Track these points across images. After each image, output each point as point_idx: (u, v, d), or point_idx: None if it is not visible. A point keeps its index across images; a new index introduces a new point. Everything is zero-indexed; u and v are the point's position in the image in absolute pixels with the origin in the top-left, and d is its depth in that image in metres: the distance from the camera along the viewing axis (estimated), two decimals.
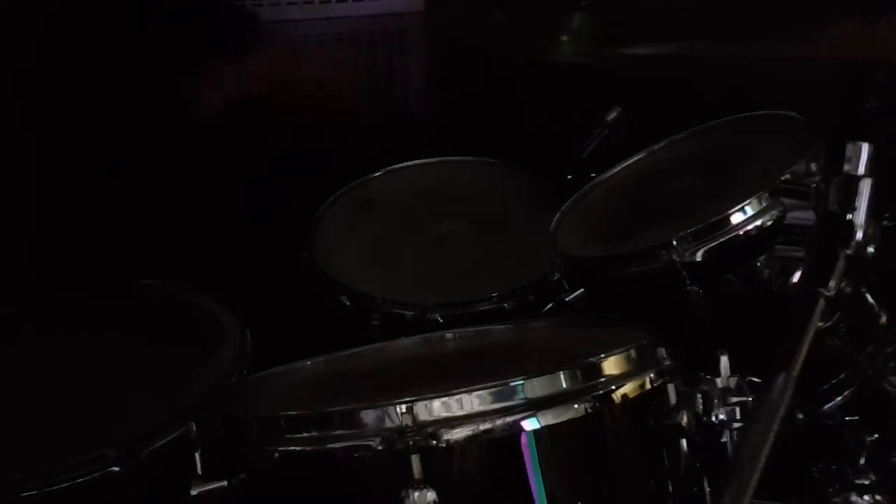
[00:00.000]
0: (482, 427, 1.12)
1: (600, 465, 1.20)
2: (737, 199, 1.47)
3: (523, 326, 1.61)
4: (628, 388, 1.20)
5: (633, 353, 1.22)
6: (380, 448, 1.11)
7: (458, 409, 1.12)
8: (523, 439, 1.13)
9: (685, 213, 1.55)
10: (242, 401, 1.38)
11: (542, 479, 1.13)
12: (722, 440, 1.23)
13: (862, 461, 1.48)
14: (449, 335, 1.56)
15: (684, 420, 1.22)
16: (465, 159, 2.25)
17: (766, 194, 1.46)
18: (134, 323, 1.73)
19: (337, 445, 1.13)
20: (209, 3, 2.55)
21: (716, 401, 1.23)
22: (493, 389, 1.13)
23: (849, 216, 1.19)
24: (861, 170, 1.19)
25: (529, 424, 1.13)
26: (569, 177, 1.98)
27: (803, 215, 1.43)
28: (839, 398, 1.52)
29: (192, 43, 2.41)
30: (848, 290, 1.39)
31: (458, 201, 2.12)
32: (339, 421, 1.14)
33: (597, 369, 1.19)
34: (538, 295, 1.78)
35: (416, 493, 1.07)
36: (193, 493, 1.18)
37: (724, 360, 1.24)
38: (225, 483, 1.19)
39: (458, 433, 1.11)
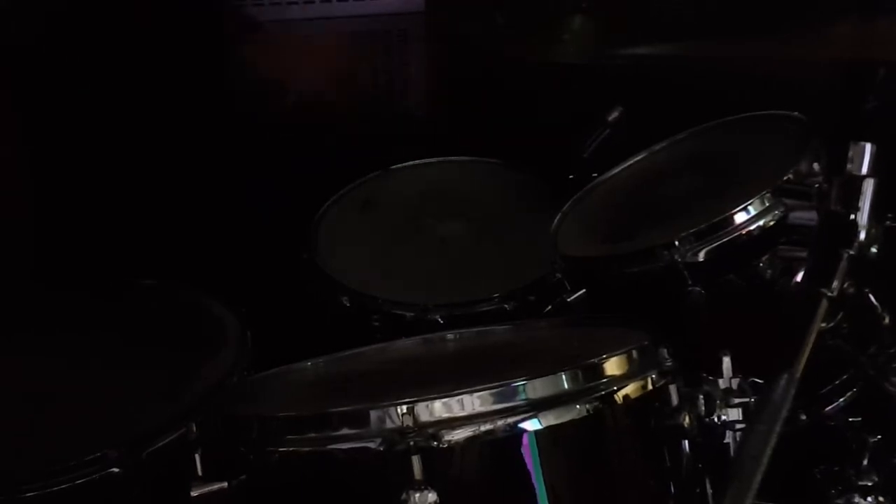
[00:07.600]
0: (483, 428, 1.11)
1: (602, 465, 1.20)
2: (739, 199, 1.47)
3: (524, 327, 1.60)
4: (630, 389, 1.19)
5: (634, 353, 1.22)
6: (380, 449, 1.10)
7: (460, 409, 1.11)
8: (525, 440, 1.12)
9: (687, 214, 1.55)
10: (243, 401, 1.38)
11: (543, 479, 1.13)
12: (724, 441, 1.23)
13: (864, 462, 1.49)
14: (449, 336, 1.56)
15: (686, 421, 1.21)
16: (465, 159, 2.25)
17: (768, 194, 1.46)
18: (134, 323, 1.73)
19: (338, 446, 1.13)
20: (210, 3, 2.55)
21: (718, 402, 1.22)
22: (494, 390, 1.12)
23: (852, 216, 1.18)
24: (864, 170, 1.19)
25: (531, 425, 1.12)
26: (570, 177, 1.98)
27: (806, 215, 1.43)
28: (842, 399, 1.52)
29: (192, 42, 2.41)
30: (851, 290, 1.39)
31: (458, 201, 2.12)
32: (340, 422, 1.13)
33: (598, 370, 1.19)
34: (539, 295, 1.77)
35: (417, 495, 1.07)
36: (194, 494, 1.18)
37: (727, 361, 1.24)
38: (225, 484, 1.18)
39: (460, 434, 1.11)
